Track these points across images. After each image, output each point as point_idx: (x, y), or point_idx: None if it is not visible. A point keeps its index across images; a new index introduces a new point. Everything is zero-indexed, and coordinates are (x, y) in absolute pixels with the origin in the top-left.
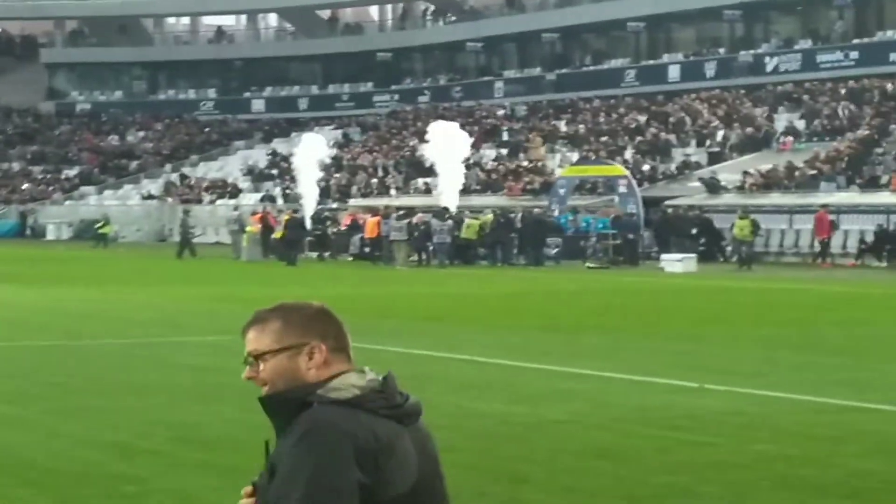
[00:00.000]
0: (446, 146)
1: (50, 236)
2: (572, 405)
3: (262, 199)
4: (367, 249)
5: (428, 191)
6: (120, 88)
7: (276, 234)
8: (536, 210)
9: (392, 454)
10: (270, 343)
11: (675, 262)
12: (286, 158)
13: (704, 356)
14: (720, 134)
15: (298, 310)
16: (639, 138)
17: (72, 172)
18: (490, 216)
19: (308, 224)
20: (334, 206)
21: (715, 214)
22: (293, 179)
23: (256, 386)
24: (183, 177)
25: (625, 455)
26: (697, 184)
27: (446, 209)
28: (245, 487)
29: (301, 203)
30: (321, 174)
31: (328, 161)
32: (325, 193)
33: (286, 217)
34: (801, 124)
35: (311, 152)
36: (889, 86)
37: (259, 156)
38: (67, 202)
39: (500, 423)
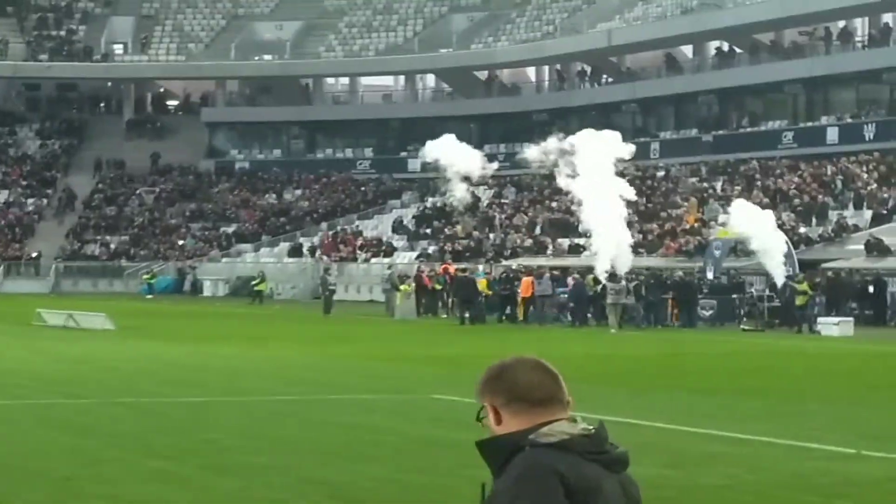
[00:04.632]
0: (601, 206)
1: (207, 293)
2: (727, 469)
3: (418, 258)
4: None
5: (577, 250)
6: (278, 147)
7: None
8: (685, 272)
9: (599, 494)
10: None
11: (832, 326)
12: (440, 216)
13: (862, 422)
14: (880, 196)
15: (512, 366)
16: (795, 200)
17: (229, 230)
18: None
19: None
20: (514, 265)
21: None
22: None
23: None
24: (336, 235)
25: None
26: (856, 246)
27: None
28: None
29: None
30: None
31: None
32: (477, 252)
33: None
34: None
35: None
36: None
37: (413, 214)
38: (224, 259)
39: (653, 486)
